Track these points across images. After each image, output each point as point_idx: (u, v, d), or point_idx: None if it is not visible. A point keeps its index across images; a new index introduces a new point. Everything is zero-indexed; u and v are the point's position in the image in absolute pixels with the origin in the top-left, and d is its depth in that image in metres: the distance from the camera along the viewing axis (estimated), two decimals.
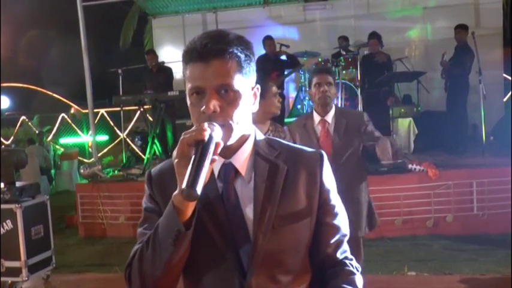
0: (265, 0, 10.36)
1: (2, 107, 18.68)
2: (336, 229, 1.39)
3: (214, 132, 1.18)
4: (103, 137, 14.20)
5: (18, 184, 5.17)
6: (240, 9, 10.54)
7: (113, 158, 13.35)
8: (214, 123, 1.20)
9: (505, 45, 9.74)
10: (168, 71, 8.59)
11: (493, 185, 5.98)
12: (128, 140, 11.69)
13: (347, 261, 1.39)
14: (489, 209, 5.97)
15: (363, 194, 3.42)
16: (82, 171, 7.70)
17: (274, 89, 3.37)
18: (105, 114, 13.96)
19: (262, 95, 3.47)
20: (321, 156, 1.40)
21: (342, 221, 1.41)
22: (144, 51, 10.10)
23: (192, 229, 1.20)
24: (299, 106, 9.54)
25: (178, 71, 10.26)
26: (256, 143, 1.37)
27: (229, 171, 1.32)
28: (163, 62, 8.85)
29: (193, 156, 1.13)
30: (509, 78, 9.97)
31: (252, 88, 1.33)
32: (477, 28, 8.49)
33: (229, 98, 1.24)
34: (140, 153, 10.51)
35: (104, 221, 7.03)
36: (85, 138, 14.75)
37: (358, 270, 1.39)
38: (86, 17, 8.32)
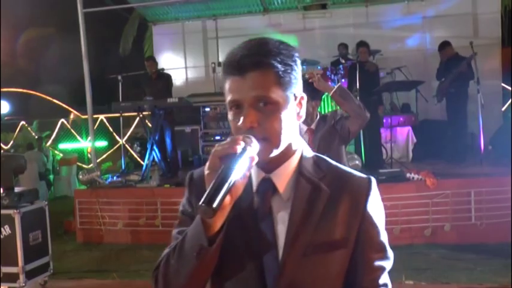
0: (265, 8, 10.42)
1: (1, 112, 18.68)
2: (376, 261, 1.27)
3: (249, 146, 1.11)
4: (102, 143, 14.22)
5: (16, 189, 5.18)
6: (240, 17, 10.61)
7: (111, 164, 13.36)
8: (251, 136, 1.13)
9: (503, 54, 9.78)
10: (168, 78, 8.60)
11: (491, 195, 5.99)
12: (127, 146, 11.69)
13: None
14: (487, 219, 5.97)
15: None
16: (81, 176, 7.69)
17: None
18: (105, 120, 13.97)
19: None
20: (370, 183, 1.28)
21: (384, 252, 1.30)
22: (144, 57, 10.13)
23: (218, 245, 1.14)
24: None
25: (177, 77, 10.31)
26: (302, 160, 1.28)
27: (267, 187, 1.24)
28: (163, 69, 8.87)
29: (219, 170, 1.07)
30: (508, 87, 10.01)
31: (296, 97, 1.24)
32: (475, 38, 8.56)
33: (268, 110, 1.17)
34: (139, 160, 10.53)
35: (102, 227, 7.02)
36: (84, 144, 14.76)
37: None
38: (87, 23, 8.35)
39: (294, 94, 1.24)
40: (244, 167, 1.08)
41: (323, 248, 1.20)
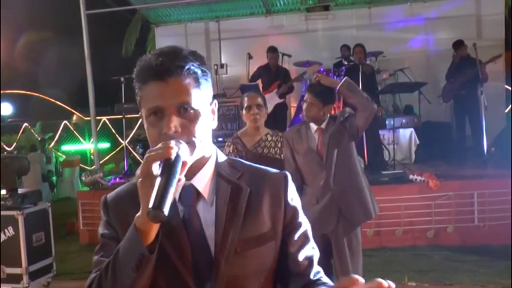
0: (268, 9, 10.41)
1: (4, 114, 18.73)
2: (305, 249, 1.32)
3: (180, 150, 1.12)
4: (105, 145, 14.24)
5: (20, 191, 5.20)
6: (243, 18, 10.59)
7: (114, 166, 13.39)
8: (181, 141, 1.15)
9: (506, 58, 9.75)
10: None
11: (494, 196, 5.97)
12: (129, 147, 11.70)
13: (321, 281, 1.30)
14: (490, 220, 5.96)
15: (361, 180, 3.65)
16: (84, 178, 7.71)
17: (245, 100, 3.59)
18: (107, 121, 14.00)
19: (241, 107, 3.62)
20: (285, 177, 1.34)
21: (310, 241, 1.34)
22: None
23: (155, 253, 1.13)
24: (300, 115, 9.54)
25: None
26: (217, 164, 1.31)
27: (190, 194, 1.25)
28: None
29: (159, 176, 1.07)
30: (511, 89, 9.99)
31: (210, 104, 1.28)
32: (479, 39, 8.53)
33: (190, 116, 1.19)
34: (142, 161, 10.52)
35: None
36: (87, 146, 14.78)
37: None
38: (89, 24, 8.37)
39: (209, 100, 1.27)
40: (178, 171, 1.08)
41: (253, 242, 1.24)
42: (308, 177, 3.64)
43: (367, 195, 3.64)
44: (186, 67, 1.19)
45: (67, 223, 7.96)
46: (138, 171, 1.13)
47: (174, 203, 1.22)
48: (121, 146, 12.20)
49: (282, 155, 3.62)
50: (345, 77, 3.61)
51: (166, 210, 1.02)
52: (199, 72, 1.21)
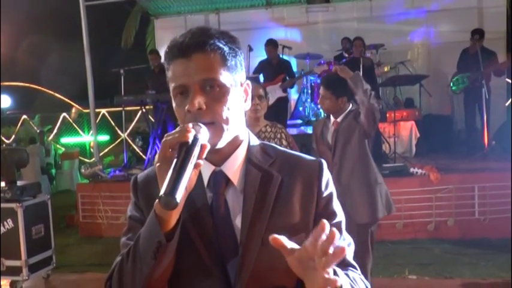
0: (268, 1, 10.36)
1: (3, 106, 18.68)
2: (339, 241, 1.26)
3: (199, 134, 1.07)
4: (104, 137, 14.20)
5: (19, 183, 5.18)
6: (243, 11, 10.55)
7: (113, 158, 13.36)
8: (200, 124, 1.10)
9: (508, 49, 9.71)
10: None
11: (495, 190, 5.96)
12: (129, 140, 11.68)
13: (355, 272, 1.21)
14: (490, 214, 5.95)
15: (374, 176, 3.63)
16: (83, 170, 7.69)
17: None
18: (107, 114, 13.96)
19: None
20: (320, 165, 1.27)
21: (346, 233, 1.26)
22: (146, 51, 10.09)
23: (176, 241, 1.09)
24: (301, 108, 9.53)
25: None
26: (249, 149, 1.25)
27: (219, 180, 1.21)
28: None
29: (174, 160, 1.03)
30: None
31: (242, 84, 1.23)
32: None
33: (216, 94, 1.14)
34: (141, 154, 10.53)
35: (104, 221, 7.02)
36: (86, 138, 14.75)
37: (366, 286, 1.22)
38: (89, 16, 8.32)
39: (240, 79, 1.22)
40: (195, 155, 1.05)
41: (281, 234, 1.13)
42: None
43: (377, 195, 3.56)
44: (211, 42, 1.15)
45: (66, 216, 7.95)
46: (157, 156, 1.10)
47: (202, 189, 1.20)
48: (120, 139, 12.15)
49: (281, 146, 3.59)
50: (356, 71, 3.60)
51: (178, 196, 0.98)
52: (225, 49, 1.17)
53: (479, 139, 7.66)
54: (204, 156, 1.08)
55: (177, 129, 1.08)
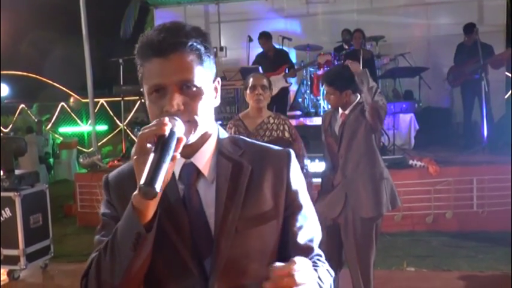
0: None
1: (1, 95, 18.61)
2: (306, 231, 1.29)
3: (175, 127, 1.10)
4: (102, 127, 14.19)
5: (17, 172, 5.17)
6: (243, 1, 10.47)
7: (112, 148, 13.35)
8: (176, 118, 1.12)
9: (508, 42, 9.68)
10: None
11: (494, 182, 5.96)
12: (127, 130, 11.66)
13: (317, 265, 1.26)
14: (489, 206, 5.95)
15: (380, 171, 3.58)
16: (81, 160, 7.68)
17: (250, 80, 3.55)
18: (105, 104, 13.93)
19: (245, 87, 3.59)
20: (289, 154, 1.31)
21: (312, 223, 1.32)
22: None
23: (153, 232, 1.12)
24: (300, 99, 9.51)
25: None
26: (219, 141, 1.29)
27: (190, 172, 1.24)
28: None
29: (152, 153, 1.05)
30: (511, 75, 9.93)
31: (213, 81, 1.26)
32: (480, 25, 8.43)
33: (192, 93, 1.17)
34: None
35: None
36: (84, 128, 14.73)
37: (331, 275, 1.28)
38: (88, 5, 8.27)
39: (212, 77, 1.25)
40: (172, 148, 1.07)
41: (254, 221, 1.22)
42: (328, 162, 3.68)
43: (382, 190, 3.53)
44: (189, 43, 1.16)
45: (64, 205, 7.94)
46: (134, 149, 1.13)
47: (174, 182, 1.22)
48: (119, 129, 12.14)
49: (284, 138, 3.58)
50: (364, 69, 3.58)
51: (158, 186, 1.01)
52: (202, 49, 1.19)
53: (478, 132, 7.65)
54: (180, 149, 1.10)
55: (153, 122, 1.10)
